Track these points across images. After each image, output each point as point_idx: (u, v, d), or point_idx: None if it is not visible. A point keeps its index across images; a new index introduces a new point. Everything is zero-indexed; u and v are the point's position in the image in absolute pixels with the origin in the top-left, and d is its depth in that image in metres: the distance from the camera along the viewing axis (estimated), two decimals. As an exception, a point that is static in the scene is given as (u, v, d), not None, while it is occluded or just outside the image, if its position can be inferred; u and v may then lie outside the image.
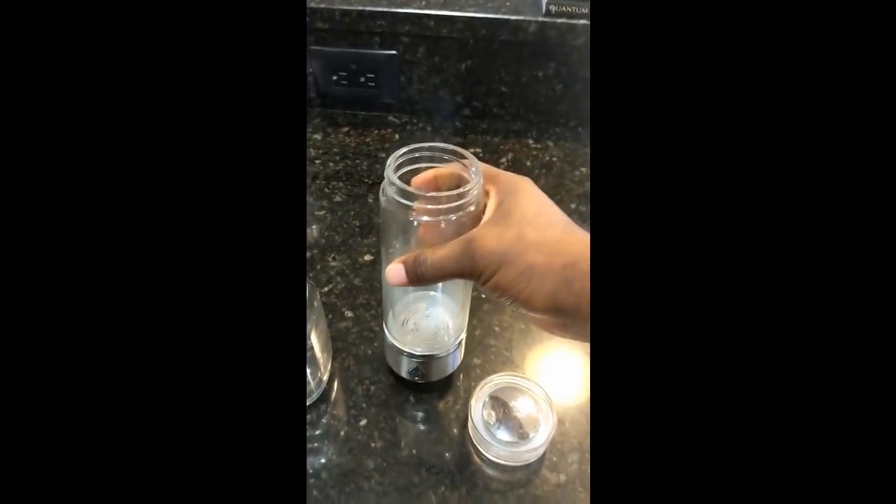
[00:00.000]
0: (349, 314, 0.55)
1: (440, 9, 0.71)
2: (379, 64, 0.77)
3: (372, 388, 0.49)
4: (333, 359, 0.51)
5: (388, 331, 0.46)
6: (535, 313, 0.30)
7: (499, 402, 0.47)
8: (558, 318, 0.30)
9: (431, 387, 0.49)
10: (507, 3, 0.72)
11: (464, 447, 0.46)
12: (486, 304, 0.56)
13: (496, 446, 0.43)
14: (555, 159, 0.76)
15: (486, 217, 0.32)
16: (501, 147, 0.78)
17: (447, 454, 0.45)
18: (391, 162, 0.34)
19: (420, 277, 0.32)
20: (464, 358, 0.51)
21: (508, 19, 0.70)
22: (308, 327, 0.43)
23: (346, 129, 0.80)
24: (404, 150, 0.35)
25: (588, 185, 0.72)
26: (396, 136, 0.79)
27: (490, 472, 0.44)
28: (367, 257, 0.61)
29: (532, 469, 0.44)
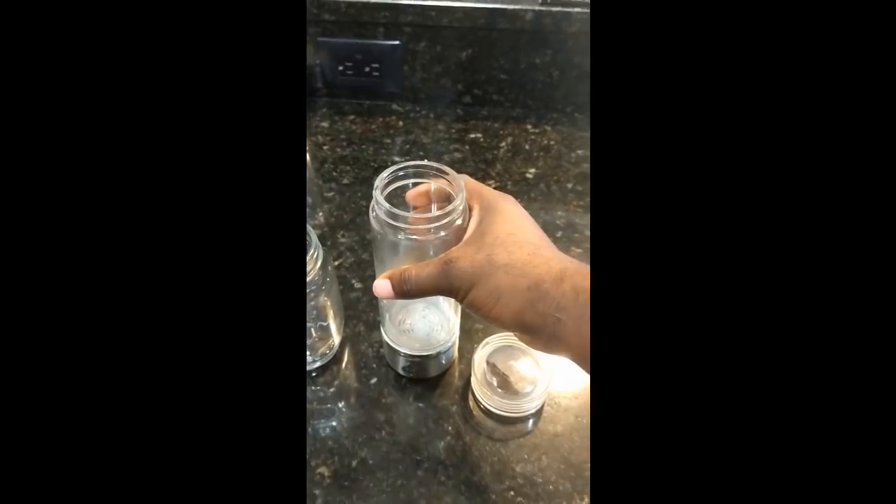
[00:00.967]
0: (358, 285, 0.59)
1: None
2: (383, 54, 0.80)
3: (381, 350, 0.53)
4: (345, 325, 0.54)
5: (385, 332, 0.49)
6: (505, 329, 0.33)
7: (499, 359, 0.50)
8: (525, 334, 0.32)
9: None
10: (505, -6, 0.75)
11: (467, 400, 0.49)
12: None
13: (496, 398, 0.47)
14: (552, 143, 0.79)
15: (466, 235, 0.35)
16: (501, 132, 0.81)
17: (453, 407, 0.49)
18: (378, 183, 0.36)
19: (405, 293, 0.35)
20: (467, 323, 0.54)
21: (506, 9, 0.73)
22: (323, 290, 0.47)
23: (351, 116, 0.83)
24: (390, 170, 0.37)
25: (584, 166, 0.75)
26: (400, 122, 0.83)
27: (491, 423, 0.48)
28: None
29: (530, 420, 0.48)
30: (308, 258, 0.44)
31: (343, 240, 0.64)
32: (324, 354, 0.51)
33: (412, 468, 0.45)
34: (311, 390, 0.50)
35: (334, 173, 0.73)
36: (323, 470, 0.45)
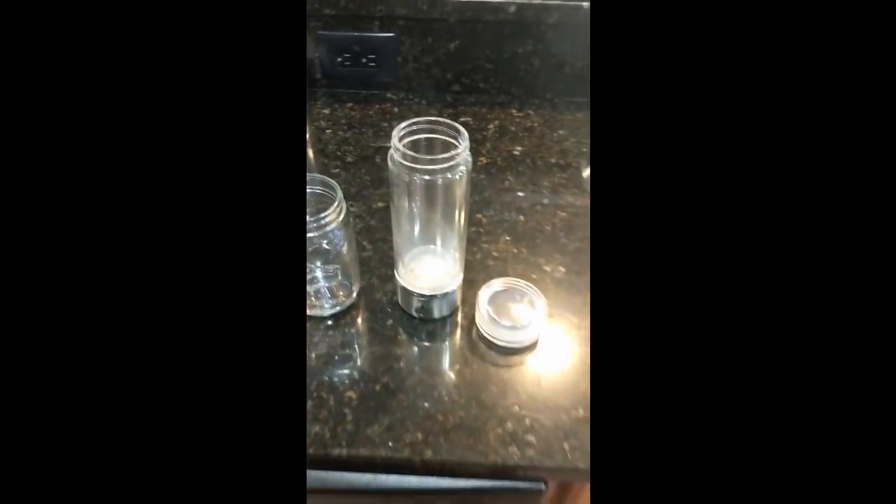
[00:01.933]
0: (369, 247, 0.66)
1: (432, -5, 0.82)
2: (378, 46, 0.87)
3: (394, 297, 0.59)
4: (360, 278, 0.61)
5: (399, 276, 0.56)
6: None
7: (501, 297, 0.57)
8: None
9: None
10: (489, -11, 0.83)
11: (472, 336, 0.56)
12: (484, 237, 0.67)
13: (500, 330, 0.54)
14: (535, 125, 0.87)
15: None
16: (488, 116, 0.89)
17: (460, 341, 0.56)
18: (396, 133, 0.45)
19: None
20: (468, 274, 0.61)
21: (490, 1, 0.81)
22: (345, 241, 0.53)
23: (350, 104, 0.90)
24: (406, 122, 0.46)
25: (566, 143, 0.83)
26: (395, 109, 0.89)
27: (494, 353, 0.55)
28: (380, 204, 0.71)
29: (530, 352, 0.55)
30: (332, 208, 0.50)
31: (352, 209, 0.70)
32: (342, 301, 0.57)
33: (428, 390, 0.51)
34: (336, 332, 0.56)
35: (338, 153, 0.80)
36: (351, 394, 0.51)
